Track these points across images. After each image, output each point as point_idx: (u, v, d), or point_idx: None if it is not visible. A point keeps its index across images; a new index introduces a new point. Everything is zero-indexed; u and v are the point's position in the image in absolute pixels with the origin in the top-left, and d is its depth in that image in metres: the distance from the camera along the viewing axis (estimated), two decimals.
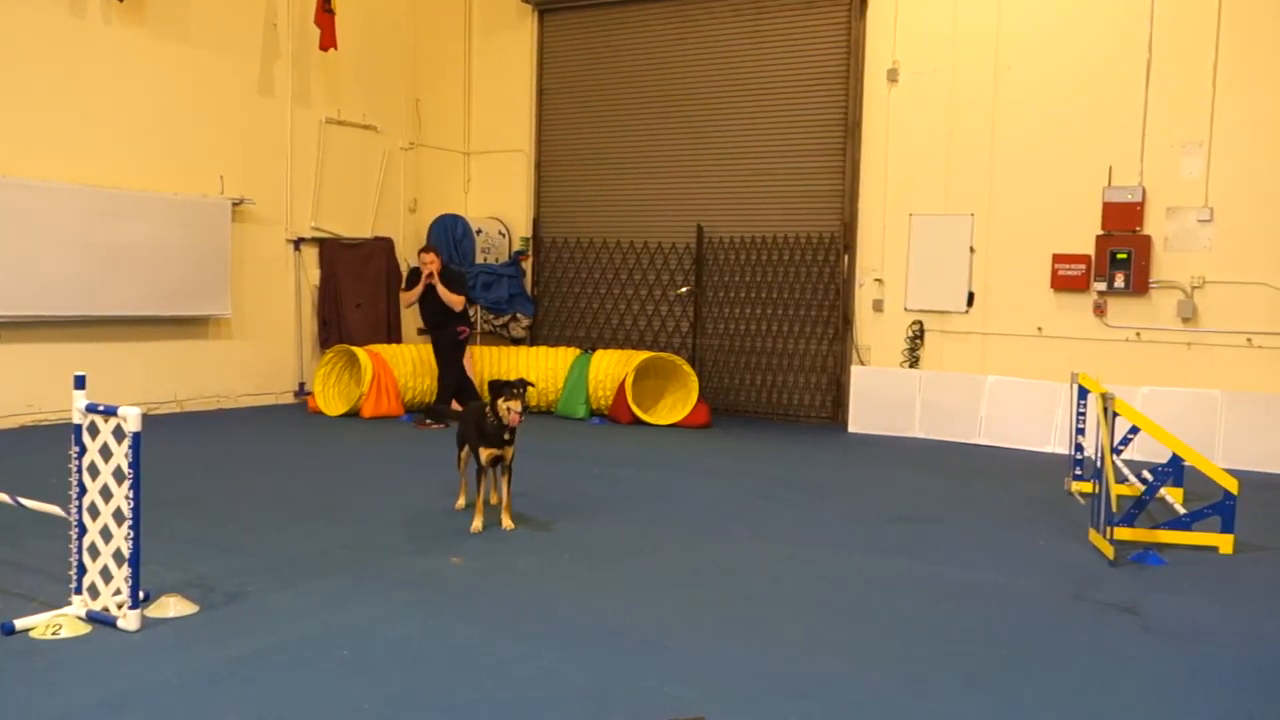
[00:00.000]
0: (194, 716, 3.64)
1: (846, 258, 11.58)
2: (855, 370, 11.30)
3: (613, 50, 12.98)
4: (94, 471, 4.49)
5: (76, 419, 4.51)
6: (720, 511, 7.16)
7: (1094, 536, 6.37)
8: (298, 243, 12.04)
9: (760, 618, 4.89)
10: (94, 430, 4.49)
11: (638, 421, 11.02)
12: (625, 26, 12.88)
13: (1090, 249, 10.36)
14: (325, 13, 11.69)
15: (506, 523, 6.38)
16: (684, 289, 12.47)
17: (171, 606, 4.63)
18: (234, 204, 11.16)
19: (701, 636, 4.59)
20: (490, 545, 6.02)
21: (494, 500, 6.53)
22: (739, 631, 4.68)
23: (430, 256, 10.48)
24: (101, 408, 4.45)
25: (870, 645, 4.55)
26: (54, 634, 4.32)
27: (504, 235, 13.51)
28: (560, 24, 13.34)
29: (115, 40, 10.19)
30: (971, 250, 10.91)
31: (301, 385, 12.02)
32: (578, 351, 11.69)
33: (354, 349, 11.20)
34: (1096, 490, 6.43)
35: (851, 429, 11.16)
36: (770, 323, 12.07)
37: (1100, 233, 10.30)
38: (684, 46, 12.49)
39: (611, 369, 11.26)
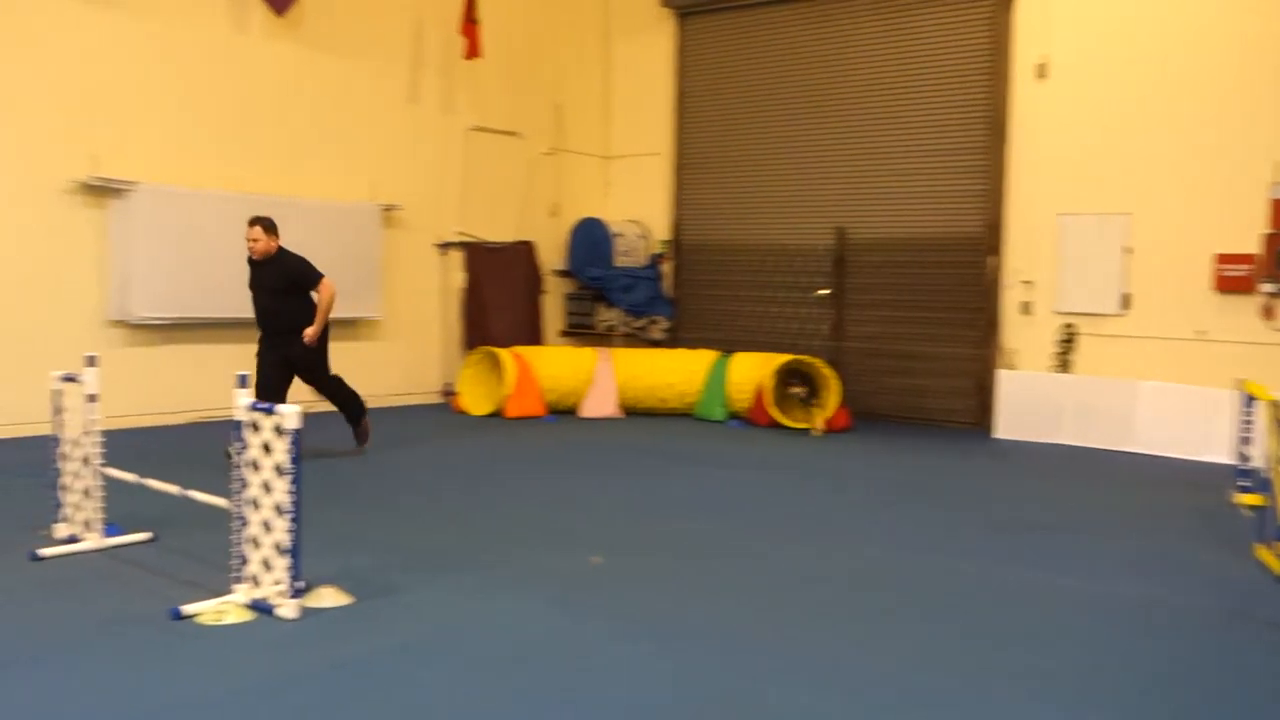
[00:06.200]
0: (344, 703, 3.78)
1: (993, 259, 11.27)
2: (1002, 374, 10.99)
3: (753, 51, 12.93)
4: (255, 467, 4.70)
5: (239, 416, 4.74)
6: (853, 516, 7.06)
7: (1261, 552, 6.04)
8: (444, 247, 12.37)
9: (886, 626, 4.80)
10: (255, 427, 4.70)
11: (776, 425, 10.94)
12: (765, 27, 12.82)
13: (1257, 248, 9.83)
14: (470, 22, 11.99)
15: None
16: (824, 291, 12.33)
17: (327, 597, 4.82)
18: (384, 210, 11.54)
19: (827, 644, 4.54)
20: (630, 547, 6.08)
21: None
22: (864, 639, 4.61)
23: (257, 231, 8.11)
24: (263, 406, 4.65)
25: (1003, 659, 4.42)
26: (219, 620, 4.54)
27: (643, 238, 13.60)
28: (700, 26, 13.36)
29: (275, 54, 10.66)
30: (1127, 250, 10.47)
31: (447, 385, 12.33)
32: (716, 354, 11.68)
33: (497, 350, 11.44)
34: (1266, 503, 6.10)
35: (997, 434, 10.85)
36: (913, 325, 11.84)
37: (1268, 231, 9.76)
38: (824, 46, 12.37)
39: (750, 371, 11.21)
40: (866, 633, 4.70)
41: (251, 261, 8.30)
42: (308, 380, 8.63)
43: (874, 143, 12.01)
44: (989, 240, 11.28)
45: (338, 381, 8.77)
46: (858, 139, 12.12)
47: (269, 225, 8.19)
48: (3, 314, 8.94)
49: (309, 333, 8.22)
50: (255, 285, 8.31)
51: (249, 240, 8.18)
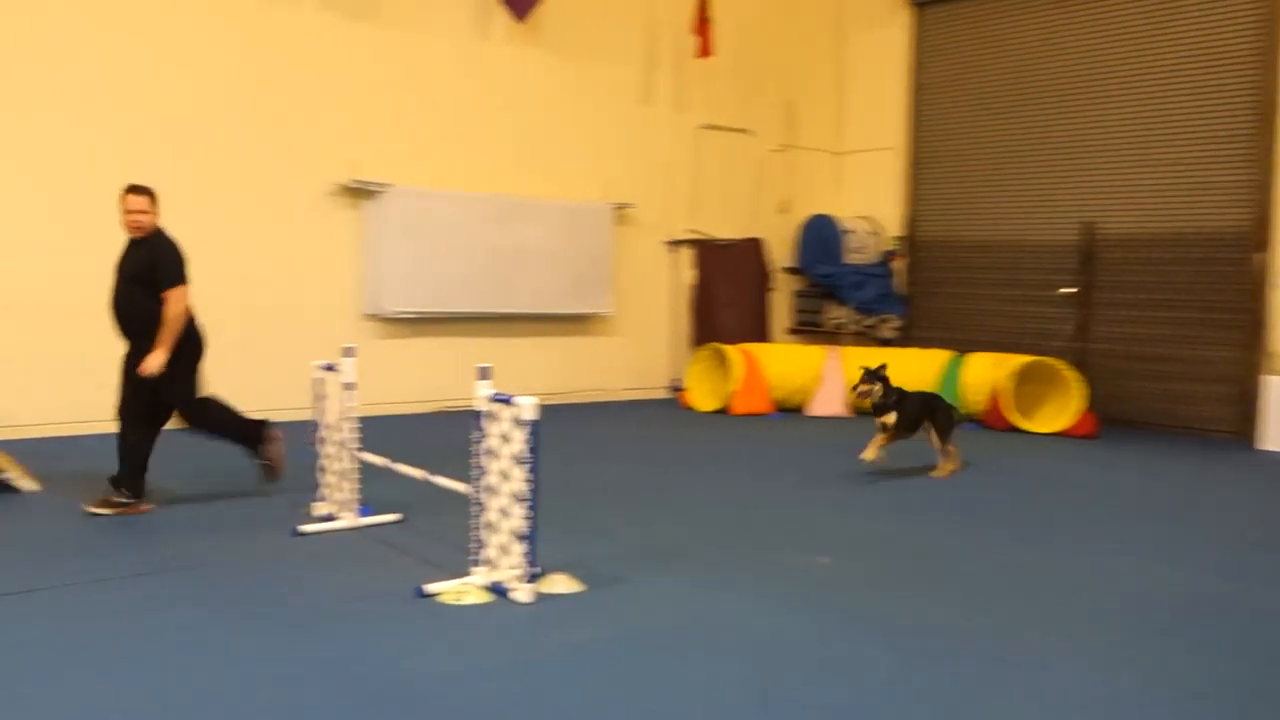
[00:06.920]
0: (575, 687, 3.88)
1: (1260, 255, 10.40)
2: (1269, 380, 10.13)
3: (994, 41, 12.44)
4: (494, 455, 4.89)
5: (480, 407, 4.94)
6: (1092, 525, 6.67)
7: None
8: (674, 244, 12.52)
9: (1125, 643, 4.49)
10: (494, 417, 4.89)
11: (1013, 428, 10.48)
12: (1007, 15, 12.30)
13: None
14: (703, 21, 12.09)
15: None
16: (1068, 289, 11.72)
17: (560, 584, 4.97)
18: (616, 208, 11.78)
19: (1065, 660, 4.30)
20: (861, 548, 5.97)
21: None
22: (1102, 656, 4.33)
23: (143, 201, 6.21)
24: (502, 397, 4.84)
25: (1250, 685, 4.06)
26: (460, 600, 4.76)
27: (874, 235, 13.34)
28: (939, 17, 12.96)
29: (515, 59, 11.08)
30: None
31: (675, 381, 12.48)
32: (950, 354, 11.30)
33: (725, 347, 11.48)
34: None
35: (1263, 446, 10.01)
36: (1168, 326, 11.08)
37: None
38: (1071, 32, 11.74)
39: (985, 372, 10.79)
40: (1104, 649, 4.42)
41: (132, 242, 6.38)
42: (171, 412, 6.41)
43: (1126, 132, 11.31)
44: (1256, 235, 10.42)
45: (214, 407, 6.53)
46: (1108, 129, 11.45)
47: (154, 196, 6.29)
48: (274, 308, 9.69)
49: (149, 364, 6.05)
50: (117, 269, 6.39)
51: (133, 212, 6.20)
